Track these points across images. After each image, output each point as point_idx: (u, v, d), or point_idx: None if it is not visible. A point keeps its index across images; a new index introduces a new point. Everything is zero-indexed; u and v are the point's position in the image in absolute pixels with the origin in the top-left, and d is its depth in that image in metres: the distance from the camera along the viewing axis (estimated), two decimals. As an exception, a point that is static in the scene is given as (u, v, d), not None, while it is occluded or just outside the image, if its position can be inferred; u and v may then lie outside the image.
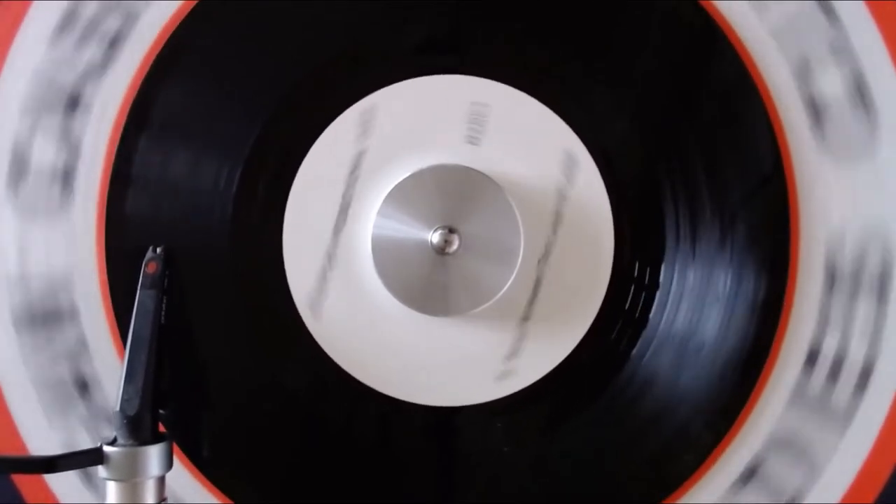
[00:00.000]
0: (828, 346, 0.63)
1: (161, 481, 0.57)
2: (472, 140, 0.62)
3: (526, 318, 0.62)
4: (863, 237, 0.62)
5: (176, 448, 0.60)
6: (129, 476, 0.56)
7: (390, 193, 0.60)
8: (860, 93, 0.62)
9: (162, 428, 0.59)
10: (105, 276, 0.62)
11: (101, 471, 0.56)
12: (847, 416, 0.63)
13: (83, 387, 0.63)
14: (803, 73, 0.62)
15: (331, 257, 0.62)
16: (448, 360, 0.62)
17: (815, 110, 0.62)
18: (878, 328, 0.62)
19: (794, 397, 0.63)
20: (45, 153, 0.63)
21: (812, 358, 0.63)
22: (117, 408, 0.57)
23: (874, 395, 0.63)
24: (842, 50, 0.62)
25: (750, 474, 0.63)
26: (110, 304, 0.62)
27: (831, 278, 0.62)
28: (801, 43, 0.62)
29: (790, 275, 0.62)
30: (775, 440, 0.63)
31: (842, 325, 0.63)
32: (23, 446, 0.63)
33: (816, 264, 0.63)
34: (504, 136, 0.62)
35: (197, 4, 0.62)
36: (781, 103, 0.62)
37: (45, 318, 0.63)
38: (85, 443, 0.62)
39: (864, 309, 0.63)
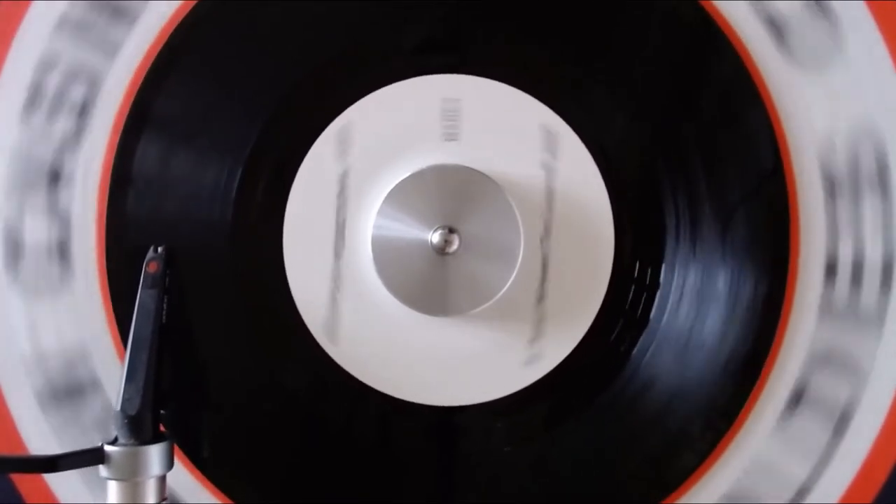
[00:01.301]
0: (844, 255, 0.63)
1: (162, 481, 0.57)
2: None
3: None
4: (852, 140, 0.62)
5: (176, 448, 0.59)
6: (130, 475, 0.56)
7: (390, 193, 0.60)
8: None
9: (161, 428, 0.59)
10: (105, 276, 0.62)
11: (102, 470, 0.56)
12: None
13: None
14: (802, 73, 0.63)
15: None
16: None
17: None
18: (888, 224, 0.62)
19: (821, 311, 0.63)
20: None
21: (831, 269, 0.63)
22: (118, 407, 0.56)
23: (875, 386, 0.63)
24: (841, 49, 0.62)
25: (749, 473, 0.63)
26: (110, 304, 0.62)
27: (831, 186, 0.62)
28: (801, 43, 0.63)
29: (790, 273, 0.62)
30: (776, 437, 0.63)
31: (852, 230, 0.63)
32: (22, 446, 0.63)
33: (816, 263, 0.63)
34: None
35: (197, 4, 0.62)
36: (781, 102, 0.62)
37: (68, 393, 0.63)
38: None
39: (869, 208, 0.63)
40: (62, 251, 0.63)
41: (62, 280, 0.63)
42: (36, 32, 0.63)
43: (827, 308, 0.63)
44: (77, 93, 0.62)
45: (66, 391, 0.63)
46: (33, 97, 0.62)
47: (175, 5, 0.62)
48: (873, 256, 0.63)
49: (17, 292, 0.63)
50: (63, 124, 0.62)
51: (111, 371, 0.63)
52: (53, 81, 0.62)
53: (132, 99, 0.62)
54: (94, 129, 0.62)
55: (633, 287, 0.62)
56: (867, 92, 0.63)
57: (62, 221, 0.63)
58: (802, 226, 0.62)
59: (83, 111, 0.62)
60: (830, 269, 0.63)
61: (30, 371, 0.63)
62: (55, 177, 0.63)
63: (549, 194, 0.62)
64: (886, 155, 0.62)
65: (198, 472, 0.63)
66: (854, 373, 0.63)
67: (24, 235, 0.63)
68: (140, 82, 0.62)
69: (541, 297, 0.62)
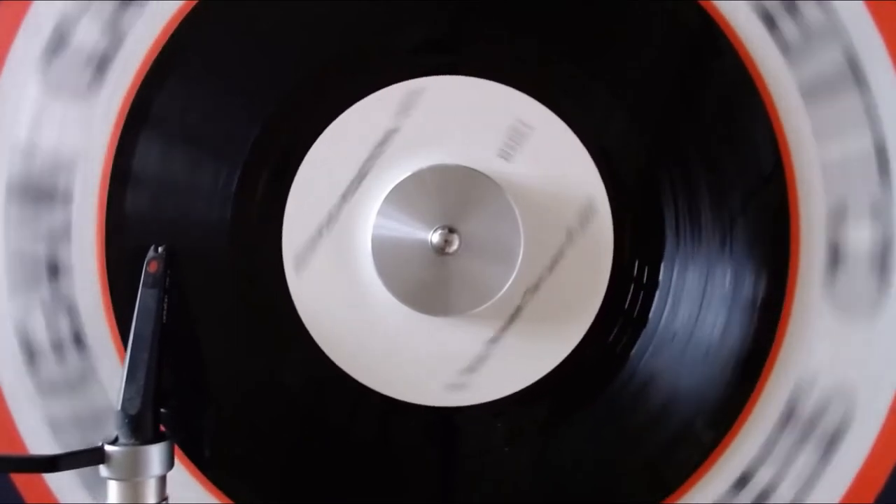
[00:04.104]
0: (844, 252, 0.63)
1: (162, 480, 0.57)
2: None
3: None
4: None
5: (175, 448, 0.60)
6: (131, 475, 0.56)
7: (390, 193, 0.60)
8: (860, 95, 0.63)
9: (161, 427, 0.59)
10: (105, 276, 0.62)
11: (102, 470, 0.56)
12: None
13: (53, 270, 0.63)
14: (802, 72, 0.63)
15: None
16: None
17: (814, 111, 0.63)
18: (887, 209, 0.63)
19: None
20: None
21: (832, 265, 0.63)
22: (119, 407, 0.57)
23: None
24: (841, 48, 0.62)
25: (749, 476, 0.63)
26: (110, 304, 0.62)
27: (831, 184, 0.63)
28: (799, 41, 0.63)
29: (790, 273, 0.62)
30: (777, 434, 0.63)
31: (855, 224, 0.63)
32: (22, 446, 0.63)
33: (816, 261, 0.63)
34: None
35: (197, 4, 0.62)
36: (781, 102, 0.62)
37: (38, 194, 0.63)
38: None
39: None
40: (101, 63, 0.63)
41: (89, 87, 0.63)
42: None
43: (827, 306, 0.63)
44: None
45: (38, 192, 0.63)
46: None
47: (175, 5, 0.62)
48: (874, 250, 0.63)
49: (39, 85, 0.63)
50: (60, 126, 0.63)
51: (111, 370, 0.63)
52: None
53: (132, 99, 0.62)
54: (93, 129, 0.62)
55: (632, 286, 0.62)
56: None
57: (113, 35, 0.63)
58: (803, 225, 0.62)
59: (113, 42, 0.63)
60: (832, 265, 0.63)
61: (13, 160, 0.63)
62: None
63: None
64: (884, 139, 0.63)
65: (198, 472, 0.63)
66: (855, 371, 0.63)
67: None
68: (140, 82, 0.62)
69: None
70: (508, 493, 0.63)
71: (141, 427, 0.56)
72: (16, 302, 0.63)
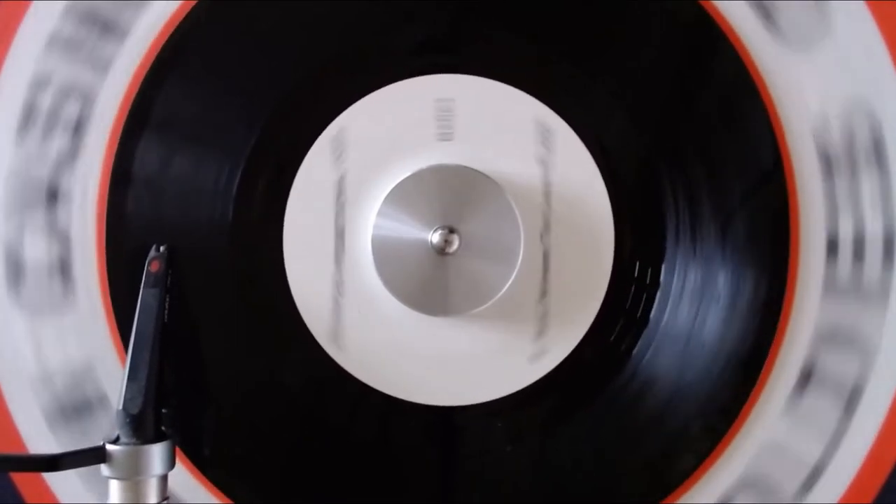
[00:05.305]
0: (844, 231, 0.63)
1: (163, 480, 0.57)
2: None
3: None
4: (845, 114, 0.62)
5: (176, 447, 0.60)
6: (132, 475, 0.56)
7: (390, 193, 0.60)
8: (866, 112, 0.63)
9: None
10: (105, 276, 0.62)
11: (103, 469, 0.56)
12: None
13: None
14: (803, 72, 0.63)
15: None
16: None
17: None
18: (886, 197, 0.63)
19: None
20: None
21: (832, 247, 0.63)
22: (120, 406, 0.56)
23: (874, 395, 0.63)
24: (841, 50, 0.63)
25: (748, 476, 0.64)
26: (110, 305, 0.62)
27: (829, 174, 0.62)
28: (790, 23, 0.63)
29: (790, 273, 0.62)
30: (775, 439, 0.63)
31: (851, 206, 0.63)
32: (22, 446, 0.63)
33: (815, 262, 0.63)
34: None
35: (196, 4, 0.62)
36: (781, 102, 0.62)
37: (75, 410, 0.63)
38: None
39: (867, 183, 0.63)
40: (62, 252, 0.63)
41: (64, 284, 0.63)
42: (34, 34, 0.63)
43: (827, 304, 0.63)
44: (77, 94, 0.63)
45: (74, 408, 0.63)
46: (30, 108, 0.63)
47: (175, 5, 0.62)
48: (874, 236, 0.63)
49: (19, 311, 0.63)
50: (62, 128, 0.63)
51: (116, 381, 0.63)
52: (56, 78, 0.63)
53: (132, 99, 0.62)
54: (93, 130, 0.62)
55: (633, 286, 0.62)
56: (858, 69, 0.63)
57: (64, 219, 0.63)
58: (802, 226, 0.62)
59: (82, 113, 0.63)
60: (831, 262, 0.63)
61: (36, 388, 0.63)
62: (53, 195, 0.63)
63: (549, 194, 0.62)
64: (881, 126, 0.63)
65: (198, 472, 0.63)
66: (852, 378, 0.63)
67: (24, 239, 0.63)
68: (140, 83, 0.62)
69: (541, 298, 0.62)
70: (508, 493, 0.63)
71: (142, 426, 0.56)
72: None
